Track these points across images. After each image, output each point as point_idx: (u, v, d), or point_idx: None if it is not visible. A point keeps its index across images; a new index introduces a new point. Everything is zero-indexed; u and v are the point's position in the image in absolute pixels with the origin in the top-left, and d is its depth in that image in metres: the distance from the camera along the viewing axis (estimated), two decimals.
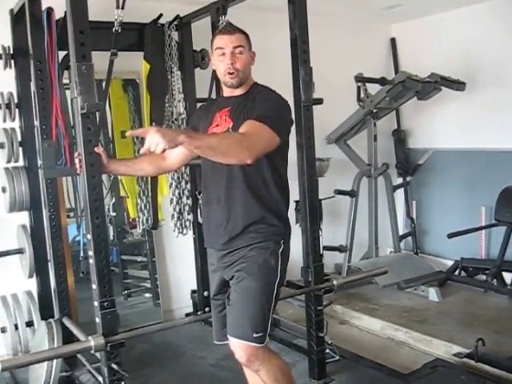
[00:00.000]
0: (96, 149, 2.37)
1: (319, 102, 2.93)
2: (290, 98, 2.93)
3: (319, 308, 3.06)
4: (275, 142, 2.13)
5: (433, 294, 4.33)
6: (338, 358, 3.30)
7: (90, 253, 2.41)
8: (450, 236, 4.46)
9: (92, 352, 2.39)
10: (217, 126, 2.30)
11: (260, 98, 2.24)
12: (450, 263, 4.72)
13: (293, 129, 2.73)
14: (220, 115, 2.31)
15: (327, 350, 3.26)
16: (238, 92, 2.31)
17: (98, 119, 3.17)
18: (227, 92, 2.35)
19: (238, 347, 2.19)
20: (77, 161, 2.43)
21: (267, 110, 2.16)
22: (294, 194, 2.73)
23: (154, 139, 1.86)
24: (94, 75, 2.35)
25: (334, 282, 3.06)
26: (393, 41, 5.39)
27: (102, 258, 2.40)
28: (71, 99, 2.44)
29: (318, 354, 3.10)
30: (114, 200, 4.56)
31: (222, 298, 2.38)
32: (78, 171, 2.43)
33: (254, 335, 2.16)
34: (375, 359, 3.41)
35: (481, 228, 4.51)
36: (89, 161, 2.37)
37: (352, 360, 3.38)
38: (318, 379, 3.11)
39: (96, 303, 2.42)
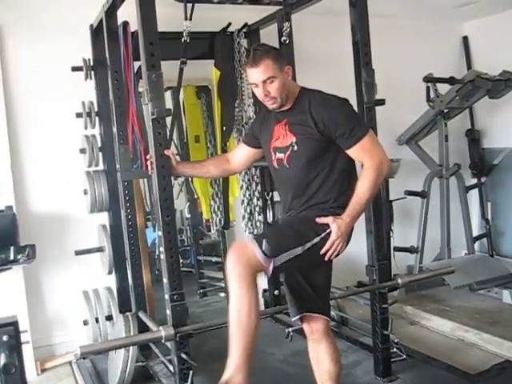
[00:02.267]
0: (166, 151, 2.53)
1: (381, 103, 2.97)
2: (353, 99, 3.03)
3: (384, 306, 3.09)
4: (372, 132, 2.35)
5: (507, 296, 4.25)
6: (404, 357, 3.29)
7: (161, 249, 2.57)
8: None
9: (163, 341, 2.54)
10: (277, 139, 2.42)
11: (328, 111, 2.29)
12: None
13: None
14: (278, 129, 2.42)
15: (394, 349, 3.29)
16: (288, 105, 2.39)
17: (170, 124, 3.40)
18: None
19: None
20: (148, 163, 2.60)
21: (347, 126, 2.28)
22: None
23: (337, 245, 2.27)
24: (163, 83, 2.51)
25: (399, 281, 3.08)
26: (465, 39, 5.31)
27: (172, 253, 2.55)
28: (138, 106, 2.61)
29: (383, 351, 3.13)
30: (189, 202, 4.78)
31: None
32: (150, 172, 2.61)
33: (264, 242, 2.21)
34: (443, 360, 3.38)
35: None
36: (159, 163, 2.53)
37: (419, 360, 3.37)
38: (383, 377, 3.13)
39: (166, 296, 2.57)
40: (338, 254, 2.34)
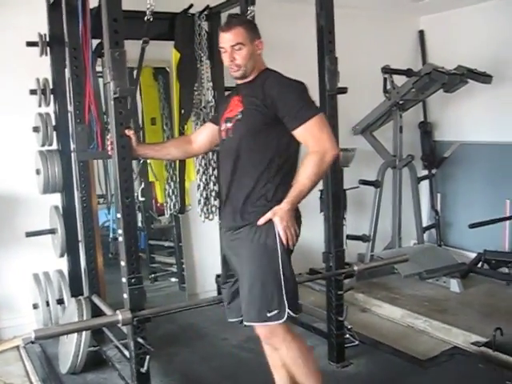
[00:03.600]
0: (126, 131, 2.47)
1: (343, 91, 3.00)
2: (316, 87, 3.04)
3: (339, 293, 3.13)
4: (323, 117, 2.28)
5: (454, 285, 4.37)
6: (357, 343, 3.36)
7: (120, 231, 2.51)
8: (472, 226, 4.49)
9: (119, 325, 2.50)
10: (230, 110, 2.38)
11: (277, 89, 2.26)
12: (474, 256, 4.73)
13: None
14: (234, 101, 2.39)
15: (347, 335, 3.34)
16: (249, 78, 2.38)
17: (130, 105, 3.33)
18: (238, 80, 2.42)
19: (257, 328, 2.29)
20: (109, 143, 2.54)
21: (294, 105, 2.23)
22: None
23: (289, 231, 2.21)
24: (126, 61, 2.45)
25: (355, 268, 3.13)
26: (421, 33, 5.41)
27: (130, 236, 2.51)
28: (104, 84, 2.54)
29: (338, 337, 3.17)
30: (143, 185, 4.70)
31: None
32: (110, 153, 2.54)
33: (268, 314, 2.21)
34: (394, 346, 3.46)
35: (502, 219, 4.53)
36: (120, 143, 2.47)
37: (371, 345, 3.44)
38: (337, 362, 3.18)
39: (124, 279, 2.52)
40: (297, 238, 2.33)
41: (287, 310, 2.23)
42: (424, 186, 5.40)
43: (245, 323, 2.32)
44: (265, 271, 2.25)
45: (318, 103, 2.83)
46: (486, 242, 4.73)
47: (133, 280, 2.52)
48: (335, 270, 3.08)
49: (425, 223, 5.31)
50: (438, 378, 3.03)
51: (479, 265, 4.63)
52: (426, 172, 5.35)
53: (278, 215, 2.21)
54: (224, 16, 3.83)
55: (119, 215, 2.50)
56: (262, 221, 2.24)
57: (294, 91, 2.27)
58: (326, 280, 3.21)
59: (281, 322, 2.24)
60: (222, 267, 4.08)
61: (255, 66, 2.36)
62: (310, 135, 2.23)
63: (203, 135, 2.64)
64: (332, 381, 2.97)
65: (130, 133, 2.49)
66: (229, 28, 2.31)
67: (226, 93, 3.70)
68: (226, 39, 2.31)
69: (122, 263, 2.54)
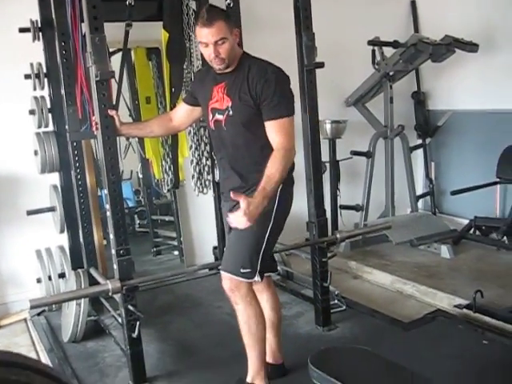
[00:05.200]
0: (109, 112, 2.61)
1: (320, 65, 3.08)
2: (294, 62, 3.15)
3: (323, 260, 3.27)
4: (294, 120, 2.43)
5: (445, 251, 4.48)
6: (344, 308, 3.52)
7: (107, 206, 2.68)
8: (453, 193, 4.62)
9: (110, 294, 2.67)
10: (217, 101, 2.48)
11: (262, 82, 2.35)
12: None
13: (296, 92, 2.94)
14: (217, 90, 2.48)
15: (335, 301, 3.50)
16: (229, 69, 2.45)
17: (117, 86, 3.47)
18: (218, 70, 2.48)
19: (225, 277, 2.48)
20: (93, 123, 2.69)
21: (275, 99, 2.35)
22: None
23: (239, 222, 2.25)
24: (106, 46, 2.58)
25: (338, 235, 3.27)
26: (413, 3, 5.43)
27: (117, 210, 2.67)
28: (87, 68, 2.68)
29: (323, 302, 3.32)
30: (140, 163, 4.85)
31: None
32: (95, 133, 2.69)
33: (241, 270, 2.43)
34: (382, 310, 3.60)
35: (482, 186, 4.58)
36: (104, 123, 2.62)
37: (358, 310, 3.59)
38: (323, 326, 3.33)
39: (113, 251, 2.69)
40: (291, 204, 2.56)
41: (257, 273, 2.43)
42: (419, 155, 5.49)
43: (220, 268, 2.54)
44: (252, 233, 2.40)
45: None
46: (481, 208, 4.82)
47: (121, 251, 2.69)
48: (318, 237, 3.22)
49: (420, 191, 5.42)
50: (419, 338, 3.17)
51: (471, 231, 4.74)
52: (420, 141, 5.42)
53: (247, 202, 2.22)
54: None
55: (106, 191, 2.66)
56: (234, 195, 2.29)
57: (276, 84, 2.37)
58: (310, 248, 3.34)
59: (248, 281, 2.45)
60: (219, 239, 4.28)
61: (235, 57, 2.44)
62: (281, 131, 2.37)
63: (180, 113, 2.78)
64: (317, 343, 3.12)
65: (112, 113, 2.63)
66: (210, 23, 2.32)
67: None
68: (209, 35, 2.33)
69: (111, 236, 2.71)
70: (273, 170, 2.32)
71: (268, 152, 2.42)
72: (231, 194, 2.32)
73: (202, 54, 3.88)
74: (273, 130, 2.39)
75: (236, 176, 2.53)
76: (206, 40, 2.35)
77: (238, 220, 2.25)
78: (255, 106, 2.39)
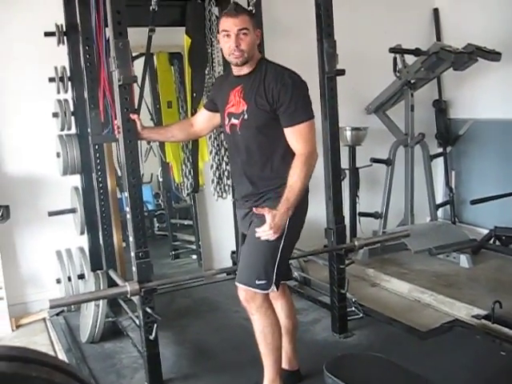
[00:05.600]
0: (131, 115, 2.65)
1: (342, 73, 3.09)
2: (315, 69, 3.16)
3: (341, 266, 3.27)
4: (314, 123, 2.44)
5: (464, 260, 4.45)
6: (361, 315, 3.52)
7: (127, 209, 2.71)
8: (473, 202, 4.60)
9: (128, 296, 2.70)
10: (233, 105, 2.50)
11: (278, 87, 2.36)
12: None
13: (317, 99, 2.96)
14: (234, 94, 2.49)
15: (352, 308, 3.49)
16: (246, 70, 2.47)
17: (139, 91, 3.51)
18: (236, 71, 2.51)
19: (241, 289, 2.48)
20: (115, 127, 2.73)
21: (292, 105, 2.36)
22: None
23: (267, 234, 2.32)
24: (129, 51, 2.62)
25: (356, 243, 3.27)
26: (436, 11, 5.42)
27: (137, 213, 2.70)
28: (109, 72, 2.72)
29: (340, 309, 3.32)
30: (161, 167, 4.89)
31: None
32: (117, 136, 2.73)
33: (257, 282, 2.41)
34: (399, 319, 3.58)
35: (503, 196, 4.55)
36: (125, 127, 2.65)
37: (375, 318, 3.57)
38: (340, 333, 3.33)
39: (132, 253, 2.72)
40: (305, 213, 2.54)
41: (273, 283, 2.43)
42: (439, 163, 5.47)
43: (235, 282, 2.52)
44: (267, 244, 2.41)
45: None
46: (501, 218, 4.78)
47: (140, 254, 2.71)
48: (336, 244, 3.22)
49: (440, 200, 5.39)
50: (436, 347, 3.15)
51: (491, 241, 4.70)
52: (441, 150, 5.40)
53: (271, 215, 2.31)
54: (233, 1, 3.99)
55: (126, 194, 2.70)
56: (258, 210, 2.38)
57: (293, 89, 2.38)
58: (328, 254, 3.34)
59: (264, 292, 2.44)
60: (237, 244, 4.29)
61: (254, 55, 2.46)
62: (300, 137, 2.39)
63: (201, 119, 2.81)
64: (332, 349, 3.13)
65: (134, 117, 2.67)
66: (236, 14, 2.39)
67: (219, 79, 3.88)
68: (232, 23, 2.37)
69: (130, 238, 2.73)
70: (294, 178, 2.34)
71: (281, 158, 2.45)
72: (254, 210, 2.39)
73: (223, 59, 3.99)
74: (293, 136, 2.40)
75: (247, 182, 2.53)
76: (229, 28, 2.38)
77: (266, 233, 2.32)
78: (271, 111, 2.39)
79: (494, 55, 4.35)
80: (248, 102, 2.43)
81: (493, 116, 5.08)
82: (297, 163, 2.36)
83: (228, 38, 2.40)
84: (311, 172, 2.41)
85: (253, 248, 2.46)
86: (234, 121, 2.49)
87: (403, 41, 4.70)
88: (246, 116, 2.43)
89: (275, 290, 2.47)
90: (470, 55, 4.32)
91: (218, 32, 2.48)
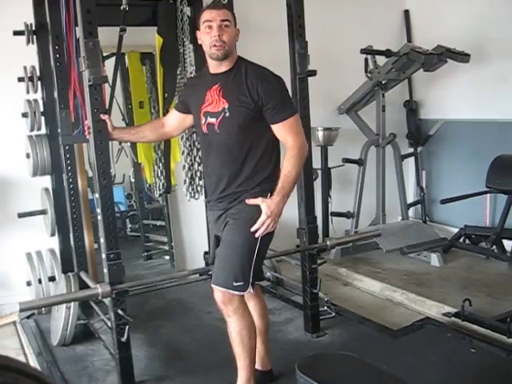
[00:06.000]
0: (102, 116, 2.62)
1: (313, 73, 3.10)
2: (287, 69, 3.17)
3: (313, 266, 3.28)
4: (299, 117, 2.50)
5: (434, 259, 4.51)
6: (334, 314, 3.53)
7: (98, 210, 2.68)
8: (443, 202, 4.66)
9: (100, 298, 2.67)
10: (210, 104, 2.49)
11: (264, 85, 2.38)
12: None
13: None
14: (211, 93, 2.48)
15: (325, 308, 3.51)
16: (224, 67, 2.47)
17: (110, 91, 3.48)
18: (214, 68, 2.50)
19: (218, 292, 2.45)
20: (86, 128, 2.70)
21: (279, 101, 2.41)
22: None
23: (268, 224, 2.35)
24: (100, 50, 2.59)
25: (328, 242, 3.29)
26: (406, 13, 5.48)
27: (108, 214, 2.67)
28: (79, 72, 2.69)
29: (312, 309, 3.33)
30: (133, 168, 4.86)
31: None
32: (88, 137, 2.70)
33: (234, 284, 2.40)
34: (371, 317, 3.61)
35: (472, 195, 4.61)
36: (96, 128, 2.62)
37: (347, 317, 3.59)
38: (312, 332, 3.34)
39: (104, 255, 2.70)
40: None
41: (250, 285, 2.43)
42: (410, 163, 5.53)
43: (212, 284, 2.49)
44: (244, 245, 2.42)
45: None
46: (471, 217, 4.87)
47: (111, 255, 2.68)
48: (308, 244, 3.23)
49: (411, 200, 5.45)
50: (407, 345, 3.19)
51: (461, 240, 4.77)
52: (411, 150, 5.46)
53: (266, 204, 2.36)
54: (206, 1, 3.98)
55: (97, 195, 2.67)
56: (250, 201, 2.41)
57: (276, 87, 2.43)
58: (300, 254, 3.36)
59: (241, 293, 2.43)
60: (210, 246, 4.28)
61: (233, 52, 2.47)
62: (290, 131, 2.43)
63: (172, 120, 2.79)
64: (305, 349, 3.14)
65: (105, 117, 2.64)
66: (219, 7, 2.48)
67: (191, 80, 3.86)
68: (216, 14, 2.39)
69: (102, 240, 2.70)
70: (289, 167, 2.39)
71: (260, 156, 2.47)
72: (246, 201, 2.41)
73: (195, 60, 3.98)
74: (282, 131, 2.43)
75: (223, 182, 2.51)
76: (212, 18, 2.39)
77: (266, 224, 2.35)
78: (254, 109, 2.40)
79: (463, 57, 4.42)
80: (229, 100, 2.43)
81: (462, 116, 5.16)
82: (291, 154, 2.40)
83: (210, 30, 2.40)
84: (303, 161, 2.45)
85: (229, 250, 2.45)
86: (210, 120, 2.48)
87: (374, 42, 4.75)
88: (227, 114, 2.43)
89: (251, 291, 2.47)
90: (440, 56, 4.38)
91: (195, 30, 2.50)
